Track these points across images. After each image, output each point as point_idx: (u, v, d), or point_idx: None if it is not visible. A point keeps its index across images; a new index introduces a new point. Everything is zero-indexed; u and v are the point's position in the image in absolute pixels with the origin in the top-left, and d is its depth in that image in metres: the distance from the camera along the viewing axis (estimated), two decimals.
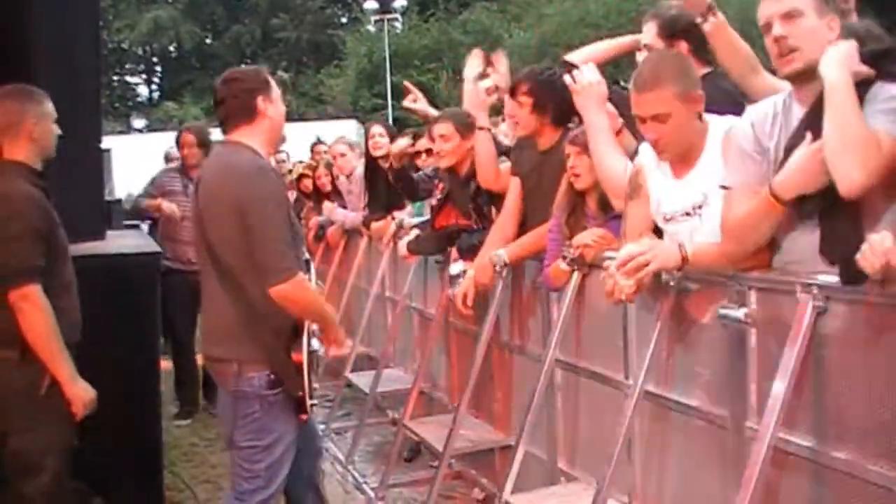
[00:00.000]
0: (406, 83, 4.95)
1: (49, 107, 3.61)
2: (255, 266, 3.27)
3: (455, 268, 4.65)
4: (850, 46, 2.45)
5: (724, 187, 2.78)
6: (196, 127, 7.29)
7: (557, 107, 4.04)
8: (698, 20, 3.31)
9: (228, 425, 3.47)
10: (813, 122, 2.48)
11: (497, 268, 4.25)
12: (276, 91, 3.51)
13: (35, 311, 3.35)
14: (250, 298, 3.32)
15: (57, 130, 3.63)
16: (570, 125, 4.07)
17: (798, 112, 2.58)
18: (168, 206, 6.68)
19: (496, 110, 4.99)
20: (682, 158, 3.06)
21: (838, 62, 2.42)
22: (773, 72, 2.99)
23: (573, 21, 31.79)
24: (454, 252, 4.77)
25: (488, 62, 4.75)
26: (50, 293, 3.40)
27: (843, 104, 2.37)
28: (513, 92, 4.18)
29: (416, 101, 5.74)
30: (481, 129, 4.51)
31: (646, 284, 2.94)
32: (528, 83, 4.10)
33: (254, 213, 3.25)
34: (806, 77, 2.53)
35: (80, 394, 3.46)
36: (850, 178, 2.32)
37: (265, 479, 3.40)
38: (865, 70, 2.42)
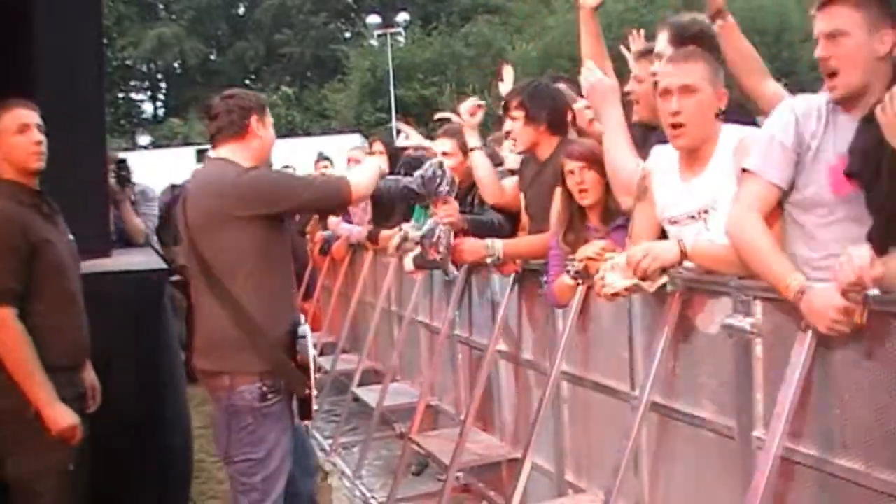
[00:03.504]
0: (403, 126, 4.93)
1: (7, 121, 3.41)
2: (316, 201, 3.58)
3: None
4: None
5: (745, 170, 2.74)
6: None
7: (550, 114, 4.10)
8: (709, 21, 3.31)
9: (223, 440, 3.46)
10: (867, 134, 2.45)
11: (489, 260, 4.26)
12: (269, 117, 3.58)
13: (4, 334, 3.27)
14: (245, 309, 3.34)
15: (32, 139, 3.41)
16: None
17: (847, 123, 2.56)
18: None
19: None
20: (693, 157, 3.03)
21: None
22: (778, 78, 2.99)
23: (576, 32, 31.75)
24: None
25: (497, 74, 4.82)
26: (34, 314, 3.34)
27: None
28: (505, 109, 4.22)
29: (409, 139, 5.80)
30: (472, 149, 4.53)
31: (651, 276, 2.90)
32: (518, 97, 4.16)
33: (275, 193, 3.40)
34: (851, 99, 2.55)
35: (58, 419, 3.33)
36: None
37: (262, 491, 3.40)
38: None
